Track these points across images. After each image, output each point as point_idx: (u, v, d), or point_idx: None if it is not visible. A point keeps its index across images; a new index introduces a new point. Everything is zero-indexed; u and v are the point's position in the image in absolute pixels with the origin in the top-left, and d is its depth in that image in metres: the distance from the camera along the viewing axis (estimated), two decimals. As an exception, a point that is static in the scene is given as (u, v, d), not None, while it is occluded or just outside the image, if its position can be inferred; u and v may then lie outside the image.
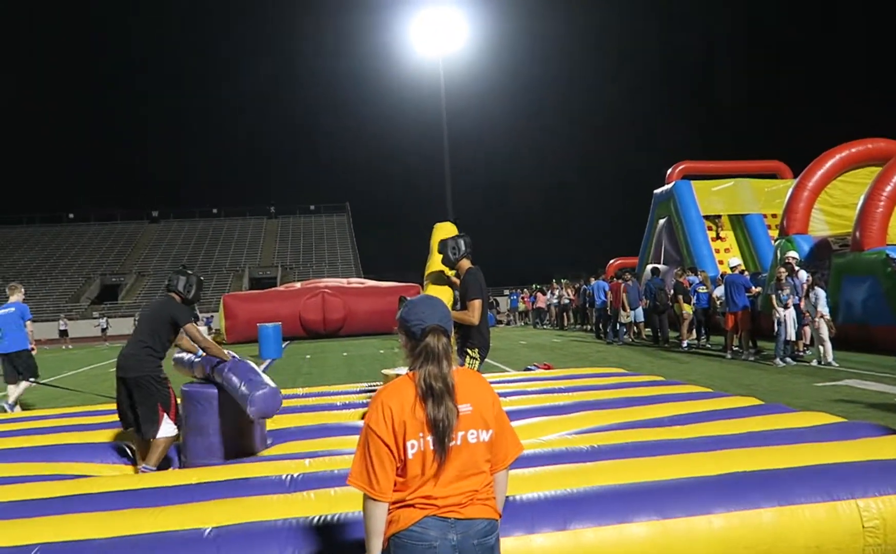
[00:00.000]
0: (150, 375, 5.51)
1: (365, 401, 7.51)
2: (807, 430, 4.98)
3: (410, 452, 2.19)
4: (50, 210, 75.47)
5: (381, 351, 19.88)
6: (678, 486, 3.73)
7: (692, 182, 22.64)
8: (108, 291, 59.51)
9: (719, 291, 15.07)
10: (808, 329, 13.10)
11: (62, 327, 37.36)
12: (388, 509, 2.23)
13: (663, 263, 21.82)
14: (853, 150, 16.47)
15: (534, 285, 32.13)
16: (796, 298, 12.69)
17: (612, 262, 30.48)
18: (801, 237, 15.88)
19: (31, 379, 10.15)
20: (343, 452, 5.18)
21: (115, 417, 5.96)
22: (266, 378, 5.27)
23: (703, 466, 4.09)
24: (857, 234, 14.06)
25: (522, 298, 34.62)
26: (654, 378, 8.39)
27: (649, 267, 19.92)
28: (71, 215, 73.05)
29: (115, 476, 4.70)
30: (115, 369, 5.72)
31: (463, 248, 6.05)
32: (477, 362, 5.82)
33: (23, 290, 10.48)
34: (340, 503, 3.79)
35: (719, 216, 22.80)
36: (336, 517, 3.49)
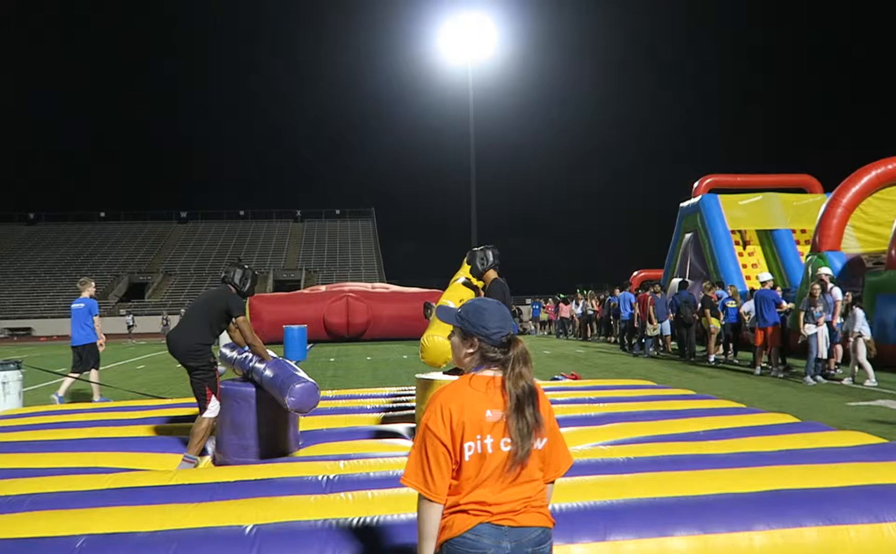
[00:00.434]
0: (204, 364, 5.65)
1: (394, 405, 7.53)
2: (847, 449, 4.90)
3: (467, 454, 2.18)
4: (82, 208, 76.47)
5: (405, 356, 19.90)
6: (719, 501, 3.69)
7: (719, 196, 22.42)
8: (135, 290, 60.30)
9: (748, 306, 14.91)
10: (839, 347, 12.90)
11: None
12: (443, 514, 2.22)
13: (689, 277, 21.61)
14: (889, 166, 16.21)
15: (559, 295, 31.99)
16: (828, 315, 12.52)
17: (636, 274, 30.27)
18: (834, 254, 15.66)
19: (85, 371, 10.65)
20: (375, 455, 5.21)
21: (153, 413, 6.05)
22: (304, 374, 5.33)
23: (744, 481, 4.05)
24: (893, 251, 13.83)
25: (545, 307, 34.52)
26: (685, 392, 8.31)
27: (676, 280, 19.73)
28: (102, 214, 74.15)
29: (158, 471, 4.73)
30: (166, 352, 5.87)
31: (491, 258, 6.15)
32: None
33: (93, 285, 11.05)
34: (378, 506, 3.80)
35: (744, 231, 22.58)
36: (375, 520, 3.50)
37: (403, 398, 8.12)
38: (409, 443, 5.85)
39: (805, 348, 12.46)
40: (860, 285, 14.18)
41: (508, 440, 2.21)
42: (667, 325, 17.41)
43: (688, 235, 23.12)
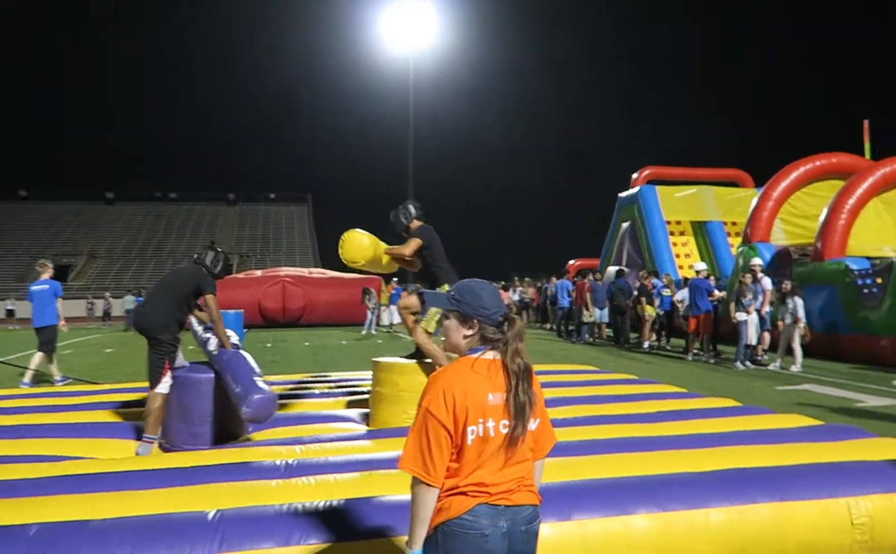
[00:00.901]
0: (170, 338, 5.58)
1: (342, 390, 7.46)
2: (789, 430, 5.13)
3: (470, 438, 2.17)
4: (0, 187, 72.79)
5: (344, 342, 19.76)
6: (677, 480, 3.81)
7: (657, 187, 23.02)
8: (58, 272, 57.61)
9: (682, 295, 15.37)
10: (767, 335, 13.45)
11: (9, 307, 36.57)
12: (439, 497, 2.20)
13: (625, 266, 22.14)
14: (817, 162, 16.95)
15: (501, 282, 32.29)
16: (758, 303, 13.03)
17: (572, 262, 30.82)
18: (764, 245, 16.30)
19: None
20: (331, 438, 5.15)
21: (102, 398, 5.85)
22: (263, 383, 5.21)
23: (699, 461, 4.18)
24: (819, 244, 14.49)
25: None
26: (628, 376, 8.53)
27: (613, 268, 20.21)
28: (23, 193, 70.73)
29: (112, 458, 4.56)
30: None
31: (413, 210, 6.27)
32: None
33: (51, 267, 11.16)
34: (342, 489, 3.78)
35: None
36: (340, 503, 3.47)
37: (352, 383, 8.06)
38: (362, 427, 5.81)
39: (735, 335, 12.97)
40: (787, 275, 14.79)
41: (507, 422, 2.21)
42: (605, 312, 17.80)
43: (625, 225, 23.68)
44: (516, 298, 28.00)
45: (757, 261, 14.01)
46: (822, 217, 14.84)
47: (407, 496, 3.58)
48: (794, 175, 16.95)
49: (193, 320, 6.27)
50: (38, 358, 10.57)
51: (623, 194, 24.63)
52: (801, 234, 16.83)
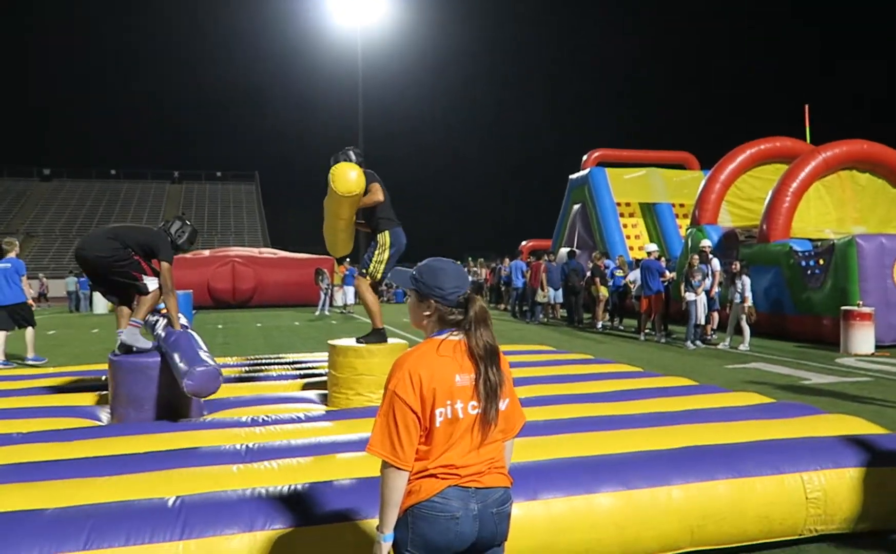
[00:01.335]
0: (109, 255, 5.48)
1: (299, 372, 7.36)
2: (743, 408, 5.25)
3: (438, 420, 2.15)
4: (-74, 161, 69.38)
5: (297, 323, 19.53)
6: (639, 458, 3.86)
7: (606, 170, 23.30)
8: (-8, 252, 55.52)
9: (634, 275, 15.62)
10: (716, 314, 13.79)
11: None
12: (409, 480, 2.18)
13: (576, 247, 22.41)
14: (763, 146, 17.36)
15: (458, 261, 32.33)
16: (707, 284, 13.33)
17: (525, 243, 31.02)
18: (712, 227, 16.65)
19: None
20: (291, 421, 5.05)
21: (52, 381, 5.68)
22: (209, 357, 5.08)
23: (661, 440, 4.25)
24: (764, 226, 14.87)
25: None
26: (585, 356, 8.62)
27: (565, 249, 20.40)
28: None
29: (68, 444, 4.38)
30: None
31: (352, 156, 6.14)
32: (387, 247, 5.97)
33: (17, 245, 11.40)
34: (306, 473, 3.71)
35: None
36: (304, 487, 3.41)
37: (308, 365, 7.96)
38: (321, 408, 5.74)
39: (684, 315, 13.26)
40: (734, 257, 15.16)
41: (475, 403, 2.20)
42: (559, 292, 17.99)
43: (576, 206, 23.92)
44: (470, 279, 28.17)
45: (706, 242, 14.33)
46: (767, 200, 15.22)
47: (370, 477, 3.57)
48: (739, 158, 17.33)
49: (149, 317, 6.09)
50: (29, 332, 11.18)
51: (574, 176, 24.86)
52: (746, 217, 17.24)
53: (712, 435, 4.39)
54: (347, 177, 5.78)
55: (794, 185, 14.73)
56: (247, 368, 7.66)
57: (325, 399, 6.05)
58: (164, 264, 5.58)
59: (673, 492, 3.66)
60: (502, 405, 2.28)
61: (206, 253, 30.73)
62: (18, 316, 10.87)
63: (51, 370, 8.32)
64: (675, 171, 24.30)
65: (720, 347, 12.74)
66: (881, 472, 3.96)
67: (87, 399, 6.28)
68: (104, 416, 5.65)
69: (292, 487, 3.40)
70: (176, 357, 5.11)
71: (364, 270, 6.02)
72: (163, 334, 5.50)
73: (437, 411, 2.15)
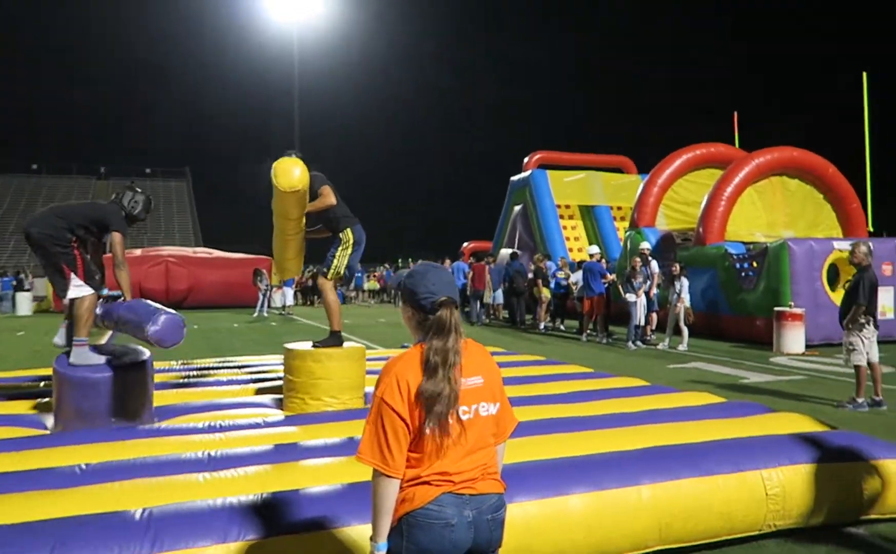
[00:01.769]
0: (49, 233, 5.19)
1: (251, 377, 7.19)
2: (697, 408, 5.40)
3: (427, 426, 2.13)
4: None
5: (236, 325, 19.11)
6: (609, 459, 3.92)
7: (547, 172, 23.63)
8: None
9: (575, 277, 15.89)
10: (654, 315, 14.16)
11: None
12: (402, 487, 2.16)
13: (517, 249, 22.64)
14: (698, 152, 17.95)
15: (398, 261, 32.20)
16: (647, 286, 13.68)
17: (466, 244, 31.16)
18: (650, 230, 17.10)
19: None
20: (250, 426, 4.93)
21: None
22: (169, 310, 4.99)
23: (625, 440, 4.33)
24: (700, 229, 15.36)
25: (373, 275, 34.50)
26: (536, 357, 8.71)
27: (507, 251, 20.58)
28: None
29: (24, 454, 4.15)
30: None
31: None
32: (350, 243, 5.89)
33: None
34: (273, 481, 3.63)
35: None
36: (275, 495, 3.34)
37: (259, 369, 7.78)
38: (278, 412, 5.61)
39: (625, 316, 13.57)
40: (672, 259, 15.60)
41: (466, 408, 2.18)
42: (499, 293, 18.14)
43: (517, 208, 24.17)
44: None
45: (645, 245, 14.70)
46: (703, 204, 15.73)
47: (343, 485, 3.52)
48: (676, 163, 17.87)
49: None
50: None
51: (515, 178, 25.12)
52: (682, 220, 17.78)
53: (673, 435, 4.50)
54: (290, 172, 5.64)
55: (729, 189, 15.27)
56: (195, 373, 7.43)
57: (280, 404, 5.93)
58: (116, 234, 5.41)
59: (642, 492, 3.74)
60: (493, 408, 2.27)
61: (138, 252, 29.74)
62: None
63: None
64: (614, 175, 24.84)
65: (660, 347, 13.08)
66: (833, 467, 4.14)
67: (24, 407, 5.97)
68: (49, 423, 5.38)
69: (264, 496, 3.32)
70: (134, 316, 5.01)
71: (326, 269, 5.93)
72: (113, 307, 5.39)
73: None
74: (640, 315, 13.39)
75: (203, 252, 30.76)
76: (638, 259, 13.72)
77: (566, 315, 17.43)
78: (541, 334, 15.92)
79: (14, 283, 27.31)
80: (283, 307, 23.79)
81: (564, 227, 23.01)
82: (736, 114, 25.16)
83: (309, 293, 30.21)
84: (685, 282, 12.86)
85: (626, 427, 4.66)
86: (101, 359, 5.31)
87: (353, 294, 35.04)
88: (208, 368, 7.84)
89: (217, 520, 3.08)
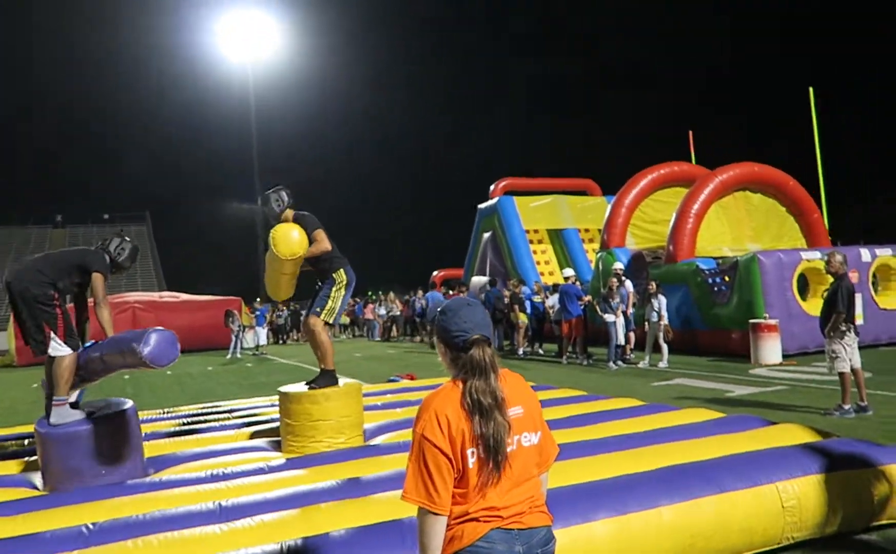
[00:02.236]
0: (31, 288, 5.08)
1: (242, 421, 7.04)
2: (699, 425, 5.44)
3: (471, 461, 2.10)
4: None
5: (210, 368, 18.75)
6: (630, 482, 3.92)
7: (514, 198, 23.85)
8: None
9: (552, 300, 15.97)
10: (632, 334, 14.28)
11: None
12: (449, 525, 2.12)
13: (488, 275, 22.73)
14: (662, 171, 18.29)
15: (370, 294, 32.02)
16: (624, 305, 13.82)
17: (436, 273, 31.18)
18: (620, 250, 17.31)
19: None
20: (253, 473, 4.81)
21: None
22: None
23: (638, 462, 4.33)
24: (671, 247, 15.61)
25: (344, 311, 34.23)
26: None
27: (482, 278, 20.65)
28: None
29: (12, 519, 3.97)
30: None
31: (286, 198, 6.05)
32: (343, 284, 5.90)
33: None
34: (295, 527, 3.54)
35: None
36: (305, 542, 3.27)
37: (248, 412, 7.64)
38: (278, 456, 5.49)
39: (601, 337, 13.66)
40: (644, 278, 15.81)
41: (509, 440, 2.16)
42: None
43: (486, 235, 24.30)
44: (382, 311, 27.99)
45: (618, 265, 14.88)
46: (671, 221, 15.99)
47: (365, 526, 3.45)
48: (642, 183, 18.17)
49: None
50: None
51: (482, 205, 25.29)
52: (650, 238, 18.05)
53: (683, 453, 4.52)
54: (290, 239, 5.72)
55: (696, 206, 15.57)
56: (184, 421, 7.26)
57: (278, 446, 5.82)
58: (97, 275, 5.29)
59: (663, 513, 3.74)
60: (535, 438, 2.25)
61: (102, 300, 29.09)
62: None
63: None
64: (580, 198, 25.18)
65: (640, 365, 13.19)
66: (843, 475, 4.20)
67: (9, 467, 5.75)
68: (38, 483, 5.19)
69: (288, 544, 3.25)
70: (119, 344, 4.82)
71: (319, 310, 5.85)
72: (95, 347, 5.24)
73: (469, 451, 2.10)
74: (619, 335, 13.51)
75: (169, 296, 30.26)
76: (614, 279, 13.87)
77: (543, 339, 17.49)
78: (520, 359, 15.93)
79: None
80: (257, 347, 23.47)
81: (535, 252, 23.21)
82: (691, 132, 25.73)
83: (280, 332, 29.88)
84: (663, 300, 13.01)
85: (636, 448, 4.67)
86: (82, 414, 5.17)
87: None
88: (197, 415, 7.67)
89: (245, 573, 3.00)
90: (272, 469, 4.88)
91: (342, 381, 5.95)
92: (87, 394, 5.98)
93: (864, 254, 14.08)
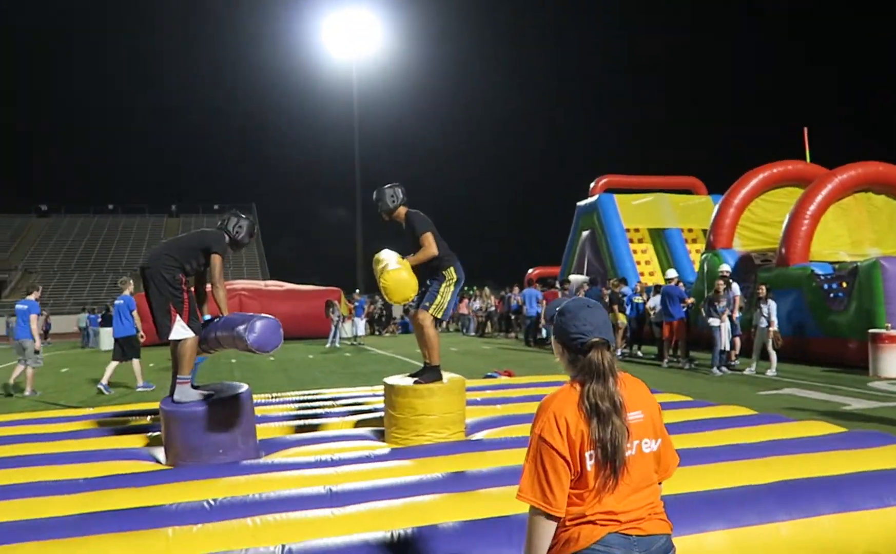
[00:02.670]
0: (162, 272, 5.42)
1: (346, 409, 7.24)
2: (821, 439, 5.17)
3: (589, 464, 2.09)
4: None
5: (311, 356, 19.37)
6: (744, 494, 3.77)
7: (615, 196, 23.36)
8: (-9, 288, 55.25)
9: (654, 302, 15.56)
10: (737, 339, 13.72)
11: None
12: (565, 526, 2.11)
13: (586, 273, 22.38)
14: (775, 170, 17.44)
15: (465, 289, 32.20)
16: (730, 309, 13.29)
17: (531, 271, 30.99)
18: (727, 251, 16.66)
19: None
20: (356, 459, 4.93)
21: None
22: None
23: (755, 473, 4.17)
24: (783, 250, 14.88)
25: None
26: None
27: (580, 277, 20.37)
28: (-53, 206, 67.41)
29: (139, 490, 4.27)
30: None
31: (401, 195, 6.11)
32: (453, 281, 5.92)
33: (131, 283, 12.68)
34: (407, 516, 3.61)
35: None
36: (413, 531, 3.32)
37: (351, 400, 7.84)
38: (384, 446, 5.60)
39: (703, 341, 13.18)
40: (752, 280, 15.16)
41: (628, 445, 2.13)
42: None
43: (585, 233, 23.93)
44: (477, 306, 28.07)
45: (725, 267, 14.32)
46: (785, 223, 15.25)
47: (476, 520, 3.48)
48: (752, 182, 17.41)
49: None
50: (136, 364, 12.36)
51: (582, 203, 24.91)
52: (758, 240, 17.28)
53: (802, 467, 4.32)
54: (404, 290, 5.75)
55: (812, 208, 14.78)
56: (291, 406, 7.54)
57: (380, 436, 5.94)
58: (216, 257, 5.62)
59: (781, 529, 3.58)
60: (654, 445, 2.22)
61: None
62: (129, 348, 12.20)
63: (81, 413, 8.14)
64: (683, 196, 24.38)
65: (746, 372, 12.66)
66: (982, 502, 3.88)
67: (135, 441, 6.14)
68: (160, 457, 5.52)
69: (398, 533, 3.31)
70: (229, 322, 5.20)
71: (428, 304, 5.92)
72: (213, 324, 5.59)
73: (587, 454, 2.08)
74: (724, 340, 13.00)
75: (274, 284, 31.42)
76: (721, 282, 13.35)
77: (643, 341, 17.07)
78: (619, 361, 15.59)
79: (100, 319, 28.41)
80: (355, 337, 24.02)
81: (635, 252, 22.67)
82: (806, 130, 24.42)
83: (376, 324, 30.37)
84: (773, 305, 12.43)
85: (752, 459, 4.49)
86: (202, 395, 5.47)
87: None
88: (303, 400, 7.94)
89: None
90: (377, 458, 4.99)
91: (446, 376, 5.99)
92: (199, 376, 6.33)
93: None
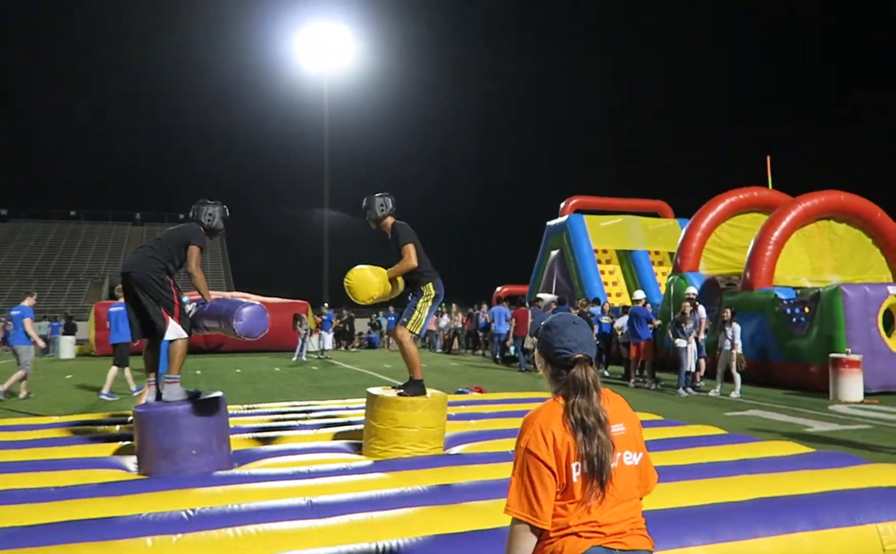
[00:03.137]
0: (151, 275, 5.42)
1: (320, 422, 7.18)
2: (788, 458, 5.28)
3: (575, 475, 2.12)
4: None
5: (277, 369, 19.18)
6: (724, 510, 3.84)
7: (584, 216, 23.64)
8: (-56, 293, 53.55)
9: (621, 322, 15.75)
10: (702, 361, 13.95)
11: None
12: (549, 538, 2.13)
13: (554, 293, 22.55)
14: (741, 196, 17.86)
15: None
16: (696, 331, 13.52)
17: (500, 289, 31.13)
18: (693, 275, 16.96)
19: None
20: (334, 471, 4.90)
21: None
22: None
23: (729, 491, 4.24)
24: (748, 274, 15.20)
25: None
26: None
27: (550, 296, 20.50)
28: None
29: (113, 499, 4.18)
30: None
31: (390, 205, 6.14)
32: (431, 297, 5.95)
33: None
34: (389, 529, 3.59)
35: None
36: (397, 544, 3.31)
37: (325, 413, 7.78)
38: (363, 459, 5.57)
39: (669, 362, 13.39)
40: (717, 304, 15.45)
41: (612, 457, 2.16)
42: (540, 339, 18.02)
43: (554, 253, 24.14)
44: (444, 323, 28.10)
45: (692, 290, 14.58)
46: (749, 248, 15.59)
47: (455, 533, 3.48)
48: (719, 207, 17.79)
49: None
50: (126, 370, 12.55)
51: (551, 223, 25.14)
52: (723, 264, 17.63)
53: (776, 486, 4.40)
54: (367, 288, 5.81)
55: (776, 234, 15.14)
56: (265, 417, 7.46)
57: (358, 449, 5.91)
58: (193, 248, 5.61)
59: (760, 545, 3.65)
60: (636, 458, 2.26)
61: (176, 296, 30.01)
62: (125, 353, 12.40)
63: (45, 421, 7.95)
64: (652, 219, 24.76)
65: (711, 394, 12.87)
66: (949, 522, 4.00)
67: (104, 450, 6.01)
68: (131, 466, 5.41)
69: (383, 545, 3.30)
70: (217, 314, 5.25)
71: (406, 320, 5.93)
72: (195, 309, 5.61)
73: (573, 465, 2.12)
74: (690, 361, 13.22)
75: (239, 296, 31.03)
76: (688, 304, 13.58)
77: (610, 361, 17.25)
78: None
79: (62, 328, 27.84)
80: (322, 351, 23.85)
81: (602, 272, 22.93)
82: (769, 158, 25.04)
83: (341, 337, 30.15)
84: (737, 327, 12.68)
85: (725, 477, 4.58)
86: (189, 394, 5.48)
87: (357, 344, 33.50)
88: (276, 413, 7.86)
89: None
90: (357, 470, 4.97)
91: (429, 392, 5.98)
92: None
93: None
